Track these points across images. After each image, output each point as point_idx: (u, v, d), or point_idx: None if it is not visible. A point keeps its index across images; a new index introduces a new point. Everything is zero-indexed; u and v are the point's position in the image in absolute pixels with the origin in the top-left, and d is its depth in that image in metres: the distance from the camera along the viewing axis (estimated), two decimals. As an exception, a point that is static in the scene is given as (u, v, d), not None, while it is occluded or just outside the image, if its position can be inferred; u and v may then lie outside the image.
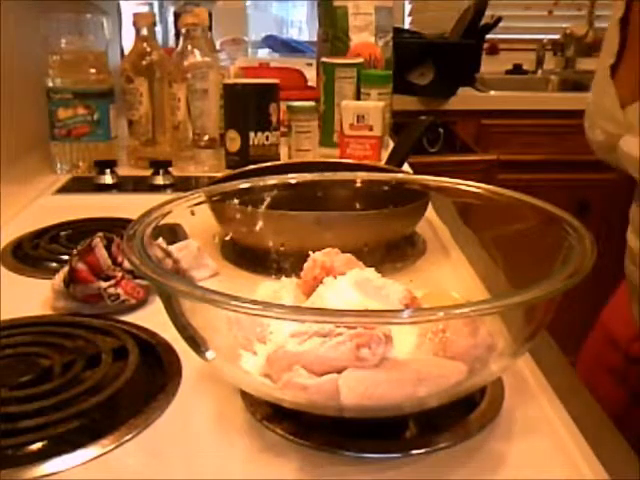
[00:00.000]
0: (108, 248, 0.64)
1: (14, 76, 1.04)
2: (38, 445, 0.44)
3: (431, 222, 0.80)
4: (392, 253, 0.72)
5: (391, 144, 1.16)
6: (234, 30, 2.26)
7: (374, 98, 1.25)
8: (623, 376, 0.82)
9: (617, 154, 0.72)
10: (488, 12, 2.26)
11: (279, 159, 1.11)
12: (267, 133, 1.08)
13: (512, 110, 2.17)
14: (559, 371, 0.54)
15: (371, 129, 1.11)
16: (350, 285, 0.50)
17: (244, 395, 0.48)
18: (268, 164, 0.94)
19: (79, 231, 0.82)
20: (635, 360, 0.81)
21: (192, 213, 0.59)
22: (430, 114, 1.17)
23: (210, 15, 1.23)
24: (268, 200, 0.69)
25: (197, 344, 0.46)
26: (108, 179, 1.07)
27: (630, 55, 0.71)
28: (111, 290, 0.61)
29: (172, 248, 0.55)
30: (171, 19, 1.82)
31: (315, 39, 1.56)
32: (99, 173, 1.07)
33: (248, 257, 0.68)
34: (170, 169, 1.08)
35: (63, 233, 0.82)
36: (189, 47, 1.14)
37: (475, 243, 0.65)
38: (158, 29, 1.50)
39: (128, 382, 0.49)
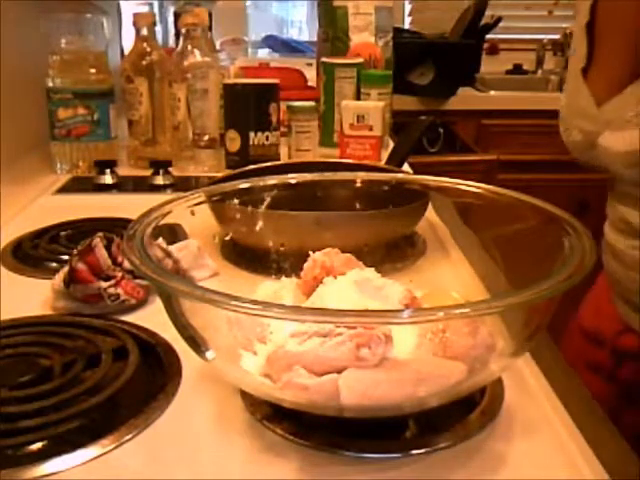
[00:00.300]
0: (108, 248, 0.64)
1: (14, 76, 1.04)
2: (38, 445, 0.44)
3: (431, 222, 0.80)
4: (392, 253, 0.72)
5: (391, 144, 1.16)
6: (234, 30, 2.27)
7: (374, 98, 1.25)
8: (610, 374, 0.82)
9: (595, 151, 0.73)
10: (488, 12, 2.26)
11: (279, 159, 1.11)
12: (267, 133, 1.08)
13: (512, 110, 2.17)
14: (559, 371, 0.54)
15: (371, 129, 1.11)
16: (350, 285, 0.49)
17: (244, 395, 0.48)
18: (268, 164, 0.94)
19: (79, 231, 0.82)
20: (624, 355, 0.81)
21: (192, 213, 0.58)
22: (430, 114, 1.18)
23: (210, 15, 1.23)
24: (268, 200, 0.69)
25: (197, 344, 0.46)
26: (108, 179, 1.07)
27: (600, 55, 0.75)
28: (111, 290, 0.61)
29: (172, 248, 0.55)
30: (171, 19, 1.82)
31: (315, 39, 1.56)
32: (99, 173, 1.07)
33: (248, 257, 0.68)
34: (170, 169, 1.08)
35: (63, 233, 0.82)
36: (189, 47, 1.14)
37: (475, 243, 0.65)
38: (158, 29, 1.50)
39: (128, 382, 0.49)
